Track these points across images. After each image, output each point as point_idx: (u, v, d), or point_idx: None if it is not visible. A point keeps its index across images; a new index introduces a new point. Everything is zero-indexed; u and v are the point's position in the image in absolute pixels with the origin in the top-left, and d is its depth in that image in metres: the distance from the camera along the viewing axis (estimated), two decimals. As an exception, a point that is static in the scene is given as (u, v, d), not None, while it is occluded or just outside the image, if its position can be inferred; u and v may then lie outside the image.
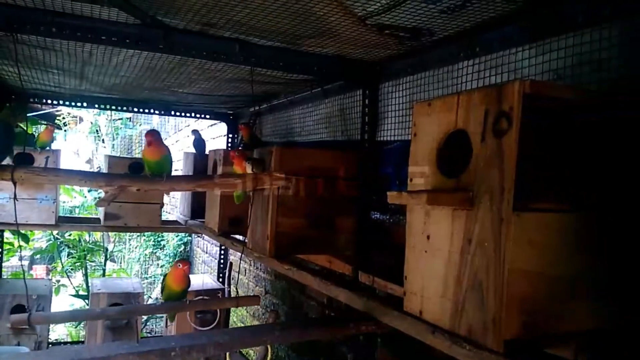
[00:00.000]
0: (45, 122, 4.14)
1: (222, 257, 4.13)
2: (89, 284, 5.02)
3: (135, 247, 7.40)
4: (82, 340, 4.34)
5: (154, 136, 1.81)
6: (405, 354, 1.95)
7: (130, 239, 7.58)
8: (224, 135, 3.98)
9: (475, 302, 0.96)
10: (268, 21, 1.60)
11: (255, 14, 1.54)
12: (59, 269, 6.44)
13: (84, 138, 9.55)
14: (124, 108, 3.59)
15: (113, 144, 8.82)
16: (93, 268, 6.36)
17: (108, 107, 3.59)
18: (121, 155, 7.31)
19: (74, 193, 6.31)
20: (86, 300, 5.22)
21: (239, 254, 2.19)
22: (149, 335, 5.58)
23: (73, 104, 3.42)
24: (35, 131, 4.11)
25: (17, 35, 1.76)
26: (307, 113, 2.77)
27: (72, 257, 6.08)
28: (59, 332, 6.03)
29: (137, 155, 7.60)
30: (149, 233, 6.50)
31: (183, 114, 3.84)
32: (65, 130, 8.45)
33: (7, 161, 1.71)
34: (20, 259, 4.88)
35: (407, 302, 1.17)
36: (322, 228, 2.00)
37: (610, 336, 0.99)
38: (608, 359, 0.96)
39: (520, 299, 0.91)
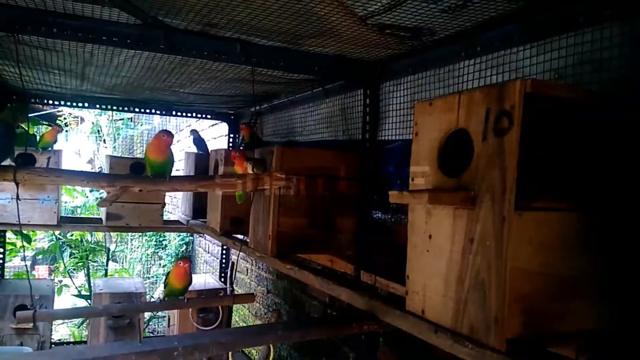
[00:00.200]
0: (48, 123, 4.14)
1: (223, 256, 4.14)
2: (91, 284, 5.03)
3: (137, 247, 7.41)
4: (85, 340, 4.35)
5: (170, 137, 1.83)
6: (407, 353, 1.95)
7: (132, 239, 7.59)
8: (225, 135, 3.98)
9: (477, 301, 0.96)
10: (269, 21, 1.61)
11: (257, 14, 1.54)
12: (61, 269, 6.45)
13: (85, 138, 9.58)
14: (125, 108, 3.60)
15: (114, 144, 8.83)
16: (95, 268, 6.37)
17: (109, 107, 3.59)
18: (122, 156, 7.31)
19: (75, 193, 6.32)
20: (88, 300, 5.24)
21: (241, 253, 2.19)
22: (151, 335, 5.59)
23: (74, 104, 3.42)
24: (36, 132, 4.11)
25: (18, 35, 1.77)
26: (308, 113, 2.77)
27: (74, 258, 6.09)
28: (61, 332, 6.04)
29: (138, 156, 7.61)
30: (151, 233, 6.51)
31: (184, 114, 3.84)
32: (66, 131, 8.47)
33: (8, 162, 1.71)
34: (24, 259, 4.90)
35: (409, 301, 1.17)
36: (324, 228, 2.00)
37: (611, 336, 0.99)
38: (609, 359, 0.96)
39: (522, 298, 0.91)
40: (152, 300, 5.84)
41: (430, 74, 1.77)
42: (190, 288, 2.49)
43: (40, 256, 7.15)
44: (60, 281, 6.33)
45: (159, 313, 5.85)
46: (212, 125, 5.07)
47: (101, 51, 2.05)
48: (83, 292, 5.86)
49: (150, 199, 3.25)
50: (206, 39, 1.82)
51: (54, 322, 3.85)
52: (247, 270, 3.97)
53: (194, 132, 3.59)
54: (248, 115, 3.59)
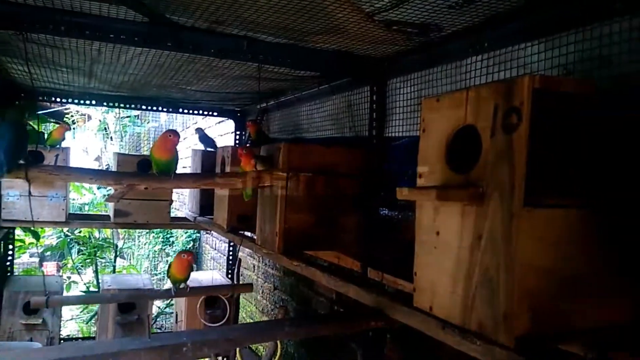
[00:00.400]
0: (56, 121, 4.17)
1: (230, 253, 4.15)
2: (99, 280, 5.06)
3: (145, 244, 7.45)
4: (93, 336, 4.39)
5: (177, 137, 1.85)
6: (415, 350, 1.95)
7: (139, 236, 7.63)
8: (232, 133, 3.99)
9: (485, 298, 0.96)
10: (275, 18, 1.61)
11: (263, 11, 1.54)
12: (69, 265, 6.50)
13: (92, 136, 9.62)
14: (132, 106, 3.61)
15: (121, 142, 8.87)
16: (103, 265, 6.41)
17: (116, 104, 3.61)
18: (130, 153, 7.35)
19: (83, 190, 6.36)
20: (96, 297, 5.26)
21: (248, 250, 2.20)
22: (159, 331, 5.62)
23: (82, 101, 3.44)
24: (44, 129, 4.14)
25: (26, 34, 1.78)
26: (315, 110, 2.77)
27: (82, 254, 6.13)
28: (70, 328, 6.09)
29: (145, 153, 7.64)
30: (158, 230, 6.54)
31: (191, 112, 3.85)
32: (73, 129, 8.51)
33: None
34: (39, 255, 4.93)
35: (417, 298, 1.17)
36: (331, 225, 2.00)
37: (620, 332, 0.98)
38: (618, 355, 0.96)
39: (530, 295, 0.91)
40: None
41: (437, 70, 1.76)
42: (197, 284, 2.52)
43: (48, 253, 7.20)
44: (69, 277, 6.38)
45: (167, 309, 5.89)
46: (219, 122, 5.08)
47: (109, 49, 2.06)
48: (91, 289, 5.90)
49: (158, 195, 3.27)
50: (213, 36, 1.82)
51: (62, 318, 3.88)
52: (254, 267, 3.98)
53: (199, 131, 3.59)
54: (254, 112, 3.59)
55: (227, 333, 1.39)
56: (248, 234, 2.54)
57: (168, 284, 2.76)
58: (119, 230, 6.73)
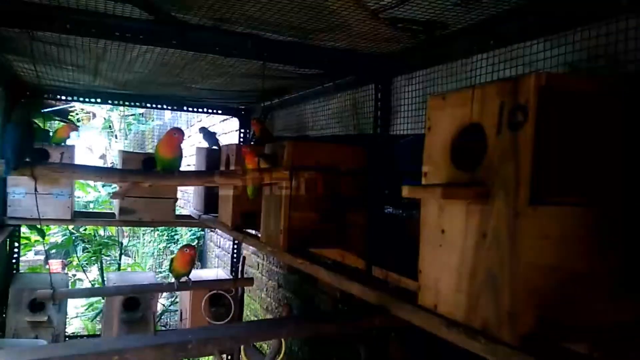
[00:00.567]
0: (63, 119, 4.19)
1: (235, 251, 4.16)
2: (105, 278, 5.09)
3: (149, 242, 7.47)
4: (98, 334, 4.41)
5: (182, 135, 1.86)
6: (418, 348, 1.95)
7: (144, 234, 7.65)
8: (236, 131, 4.00)
9: (490, 296, 0.96)
10: (280, 16, 1.61)
11: (268, 8, 1.54)
12: (74, 263, 6.53)
13: (97, 134, 9.66)
14: (137, 104, 3.63)
15: (126, 140, 8.90)
16: (108, 262, 6.44)
17: (121, 102, 3.62)
18: (135, 151, 7.37)
19: (88, 188, 6.38)
20: (101, 294, 5.29)
21: (252, 248, 2.21)
22: (163, 328, 5.64)
23: (87, 99, 3.46)
24: (49, 127, 4.15)
25: (33, 32, 1.79)
26: (319, 108, 2.77)
27: (88, 252, 6.16)
28: (75, 325, 6.12)
29: (150, 151, 7.66)
30: (163, 227, 6.56)
31: (195, 110, 3.86)
32: (78, 126, 8.53)
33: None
34: (46, 253, 4.96)
35: (421, 296, 1.17)
36: (335, 222, 2.00)
37: (626, 331, 0.98)
38: (624, 354, 0.95)
39: (535, 293, 0.90)
40: (163, 294, 5.90)
41: (442, 68, 1.76)
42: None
43: (53, 250, 7.23)
44: (74, 275, 6.41)
45: (171, 307, 5.91)
46: (223, 120, 5.09)
47: (114, 47, 2.06)
48: (96, 286, 5.93)
49: (163, 193, 3.28)
50: (218, 34, 1.82)
51: (67, 316, 3.90)
52: (259, 264, 3.98)
53: (203, 130, 3.60)
54: (259, 110, 3.59)
55: (232, 331, 1.39)
56: (252, 231, 2.55)
57: (172, 281, 2.79)
58: (124, 228, 6.77)
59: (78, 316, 6.21)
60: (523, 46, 1.41)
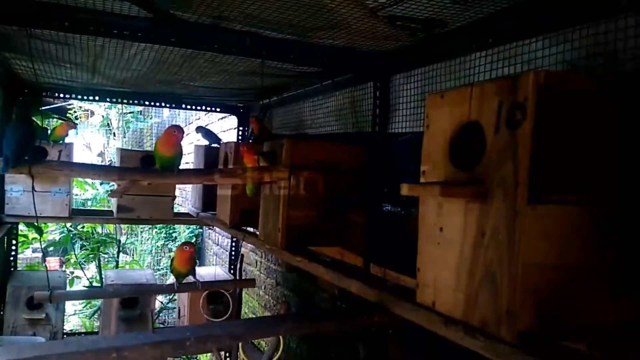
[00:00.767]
0: (59, 117, 4.17)
1: (233, 249, 4.16)
2: (103, 276, 5.08)
3: (147, 239, 7.47)
4: (96, 331, 4.41)
5: (181, 133, 1.85)
6: (417, 346, 1.95)
7: (142, 231, 7.65)
8: (235, 128, 3.99)
9: (488, 294, 0.96)
10: (279, 14, 1.60)
11: (267, 6, 1.54)
12: (72, 260, 6.52)
13: (95, 131, 9.64)
14: (136, 101, 3.62)
15: (124, 138, 8.88)
16: (106, 260, 6.43)
17: (120, 100, 3.62)
18: (133, 149, 7.36)
19: (86, 186, 6.37)
20: (99, 292, 5.29)
21: (250, 245, 2.21)
22: (161, 326, 5.64)
23: (85, 97, 3.45)
24: (47, 125, 4.14)
25: (30, 29, 1.78)
26: (318, 105, 2.77)
27: (85, 249, 6.15)
28: (73, 322, 6.12)
29: (148, 148, 7.65)
30: (161, 225, 6.56)
31: (194, 107, 3.85)
32: (76, 125, 8.51)
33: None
34: (42, 250, 4.96)
35: (419, 293, 1.17)
36: (333, 220, 2.00)
37: (626, 331, 0.98)
38: (624, 354, 0.96)
39: (534, 292, 0.91)
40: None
41: (441, 66, 1.76)
42: (200, 280, 2.52)
43: (51, 248, 7.22)
44: (72, 272, 6.41)
45: (170, 304, 5.91)
46: (222, 118, 5.08)
47: (112, 44, 2.06)
48: (94, 284, 5.92)
49: (161, 191, 3.28)
50: (216, 31, 1.82)
51: (65, 313, 3.90)
52: (257, 262, 3.99)
53: (200, 129, 3.59)
54: (257, 108, 3.59)
55: (230, 328, 1.39)
56: (251, 229, 2.55)
57: (171, 279, 2.77)
58: (122, 225, 6.76)
59: (76, 313, 6.21)
60: (522, 44, 1.42)
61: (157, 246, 7.13)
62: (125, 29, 1.73)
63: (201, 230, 6.15)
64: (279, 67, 2.29)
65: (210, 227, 5.12)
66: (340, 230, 2.02)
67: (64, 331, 3.52)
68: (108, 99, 3.64)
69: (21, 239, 4.17)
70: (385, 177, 2.02)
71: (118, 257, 6.35)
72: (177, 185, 4.38)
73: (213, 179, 1.99)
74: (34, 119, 2.42)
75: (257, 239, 2.18)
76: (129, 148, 7.44)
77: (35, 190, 2.94)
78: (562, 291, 0.93)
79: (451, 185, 1.04)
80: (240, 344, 2.87)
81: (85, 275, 6.30)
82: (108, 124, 9.22)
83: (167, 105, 3.76)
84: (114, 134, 9.24)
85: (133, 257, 7.85)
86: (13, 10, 1.61)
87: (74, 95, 3.43)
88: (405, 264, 1.57)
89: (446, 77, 1.74)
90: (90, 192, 6.79)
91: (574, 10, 1.26)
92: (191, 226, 6.06)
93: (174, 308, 5.17)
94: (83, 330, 5.43)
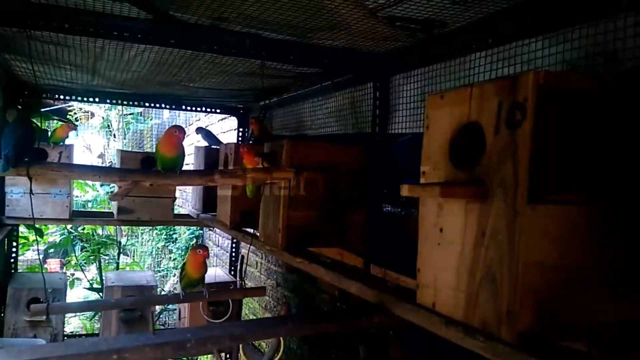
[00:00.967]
0: (59, 118, 4.18)
1: (233, 250, 4.16)
2: (103, 277, 5.08)
3: (148, 241, 7.47)
4: (97, 333, 4.40)
5: (183, 133, 1.84)
6: (418, 347, 1.95)
7: (142, 233, 7.65)
8: (235, 129, 3.99)
9: (488, 295, 0.96)
10: (279, 15, 1.60)
11: (266, 7, 1.54)
12: (73, 262, 6.53)
13: (95, 133, 9.65)
14: (136, 103, 3.62)
15: (124, 139, 8.89)
16: (106, 261, 6.44)
17: (120, 102, 3.61)
18: (133, 150, 7.36)
19: (86, 187, 6.38)
20: (100, 293, 5.29)
21: (251, 247, 2.21)
22: (162, 327, 5.64)
23: (85, 99, 3.45)
24: (48, 126, 4.15)
25: (30, 31, 1.78)
26: (318, 106, 2.77)
27: (86, 251, 6.15)
28: (73, 324, 6.12)
29: (148, 150, 7.65)
30: (161, 227, 6.56)
31: (194, 109, 3.85)
32: (76, 126, 8.52)
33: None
34: (38, 253, 4.95)
35: (420, 294, 1.17)
36: (334, 221, 2.00)
37: (626, 331, 0.98)
38: (623, 354, 0.96)
39: (534, 292, 0.90)
40: (164, 293, 5.90)
41: (441, 67, 1.76)
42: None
43: (52, 250, 7.22)
44: (72, 274, 6.41)
45: (170, 306, 5.91)
46: (222, 119, 5.09)
47: (112, 46, 2.06)
48: (95, 285, 5.93)
49: (161, 193, 3.28)
50: (216, 33, 1.82)
51: (66, 315, 3.89)
52: (257, 263, 3.99)
53: (201, 130, 3.59)
54: (257, 109, 3.59)
55: (231, 329, 1.39)
56: (251, 230, 2.54)
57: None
58: (122, 227, 6.77)
59: (76, 315, 6.21)
60: (521, 44, 1.41)
61: (158, 248, 7.13)
62: (125, 31, 1.73)
63: (201, 231, 6.16)
64: (278, 68, 2.29)
65: (211, 228, 5.11)
66: (341, 231, 2.02)
67: (65, 333, 3.52)
68: (108, 101, 3.64)
69: (22, 240, 4.17)
70: (385, 177, 2.02)
71: (118, 258, 6.35)
72: (177, 187, 4.38)
73: (213, 179, 1.99)
74: (33, 120, 2.42)
75: (258, 240, 2.18)
76: (129, 150, 7.45)
77: (36, 193, 2.94)
78: (562, 291, 0.93)
79: (451, 186, 1.04)
80: (240, 346, 2.87)
81: (85, 277, 6.30)
82: (108, 126, 9.23)
83: (167, 107, 3.76)
84: (114, 135, 9.25)
85: (133, 259, 7.86)
86: (13, 11, 1.61)
87: (74, 97, 3.43)
88: (405, 265, 1.57)
89: (446, 77, 1.73)
90: (90, 193, 6.79)
91: (573, 10, 1.26)
92: (191, 227, 6.06)
93: (174, 309, 5.17)
94: (83, 332, 5.44)
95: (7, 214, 2.96)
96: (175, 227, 6.45)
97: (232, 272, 4.09)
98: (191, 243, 6.24)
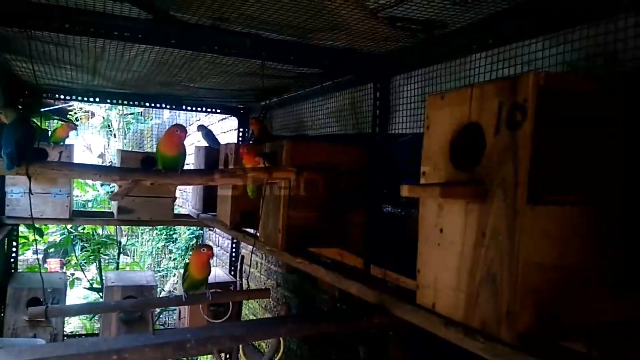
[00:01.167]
0: (59, 118, 4.19)
1: (233, 250, 4.16)
2: (103, 277, 5.08)
3: (148, 241, 7.47)
4: (97, 332, 4.40)
5: (184, 132, 1.83)
6: (418, 348, 1.95)
7: (142, 233, 7.65)
8: (235, 129, 3.99)
9: (488, 295, 0.96)
10: (279, 15, 1.60)
11: (267, 8, 1.54)
12: (73, 262, 6.53)
13: (95, 133, 9.66)
14: (136, 103, 3.62)
15: (124, 139, 8.89)
16: (106, 261, 6.44)
17: (120, 102, 3.61)
18: (133, 150, 7.36)
19: (87, 187, 6.38)
20: (100, 293, 5.30)
21: (251, 247, 2.20)
22: (162, 327, 5.64)
23: (85, 99, 3.45)
24: (48, 126, 4.15)
25: (31, 31, 1.78)
26: (318, 107, 2.77)
27: (86, 251, 6.16)
28: (73, 324, 6.12)
29: (148, 150, 7.66)
30: (161, 227, 6.56)
31: (194, 109, 3.85)
32: (77, 125, 8.53)
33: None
34: (37, 252, 4.95)
35: (419, 295, 1.17)
36: (334, 221, 2.00)
37: (626, 331, 0.98)
38: (623, 354, 0.96)
39: (534, 292, 0.90)
40: (163, 293, 5.91)
41: (441, 67, 1.76)
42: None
43: (52, 250, 7.23)
44: (72, 274, 6.42)
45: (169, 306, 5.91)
46: (222, 119, 5.09)
47: (112, 46, 2.06)
48: (95, 285, 5.93)
49: (162, 192, 3.28)
50: (217, 33, 1.82)
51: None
52: (257, 263, 3.99)
53: (202, 128, 3.59)
54: (258, 109, 3.59)
55: (231, 330, 1.39)
56: (251, 230, 2.54)
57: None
58: (123, 227, 6.77)
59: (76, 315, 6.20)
60: (522, 45, 1.42)
61: (158, 247, 7.13)
62: (126, 31, 1.74)
63: (201, 231, 6.16)
64: (279, 68, 2.29)
65: (211, 228, 5.11)
66: (341, 231, 2.02)
67: (65, 333, 3.52)
68: (108, 101, 3.64)
69: (22, 240, 4.17)
70: (386, 178, 2.02)
71: (119, 258, 6.35)
72: (177, 187, 4.38)
73: (214, 179, 1.99)
74: (33, 120, 2.42)
75: (258, 240, 2.18)
76: (130, 149, 7.45)
77: (36, 192, 2.94)
78: (562, 291, 0.93)
79: (451, 186, 1.04)
80: (240, 346, 2.87)
81: (85, 276, 6.30)
82: (108, 126, 9.23)
83: (168, 107, 3.76)
84: (115, 135, 9.25)
85: (133, 259, 7.86)
86: (13, 10, 1.61)
87: (74, 97, 3.43)
88: (405, 265, 1.57)
89: (446, 78, 1.73)
90: (90, 193, 6.80)
91: (574, 11, 1.26)
92: (191, 227, 6.06)
93: (174, 310, 5.17)
94: (83, 332, 5.44)
95: (7, 214, 2.96)
96: (176, 227, 6.46)
97: (232, 272, 4.09)
98: (191, 243, 6.24)
